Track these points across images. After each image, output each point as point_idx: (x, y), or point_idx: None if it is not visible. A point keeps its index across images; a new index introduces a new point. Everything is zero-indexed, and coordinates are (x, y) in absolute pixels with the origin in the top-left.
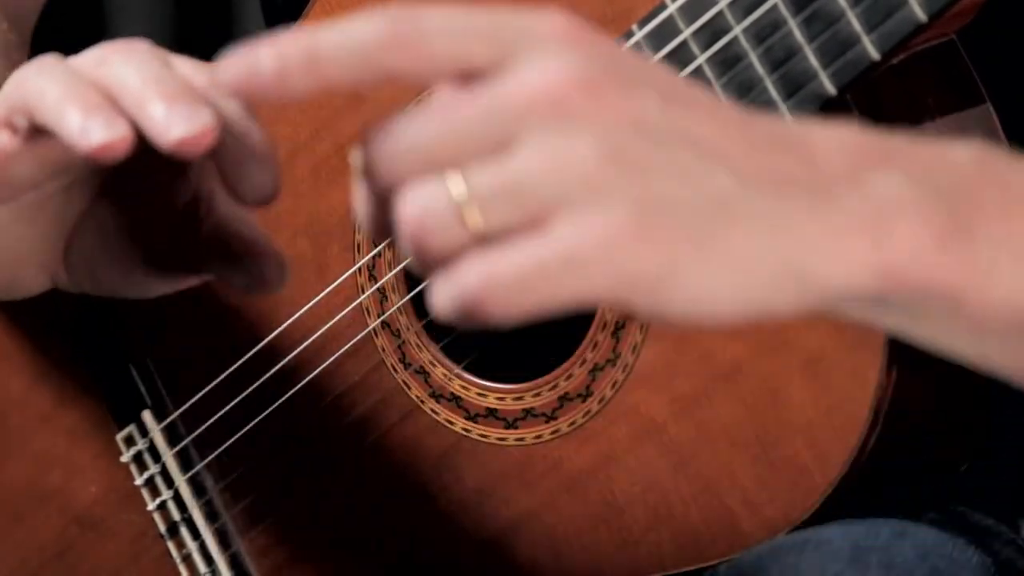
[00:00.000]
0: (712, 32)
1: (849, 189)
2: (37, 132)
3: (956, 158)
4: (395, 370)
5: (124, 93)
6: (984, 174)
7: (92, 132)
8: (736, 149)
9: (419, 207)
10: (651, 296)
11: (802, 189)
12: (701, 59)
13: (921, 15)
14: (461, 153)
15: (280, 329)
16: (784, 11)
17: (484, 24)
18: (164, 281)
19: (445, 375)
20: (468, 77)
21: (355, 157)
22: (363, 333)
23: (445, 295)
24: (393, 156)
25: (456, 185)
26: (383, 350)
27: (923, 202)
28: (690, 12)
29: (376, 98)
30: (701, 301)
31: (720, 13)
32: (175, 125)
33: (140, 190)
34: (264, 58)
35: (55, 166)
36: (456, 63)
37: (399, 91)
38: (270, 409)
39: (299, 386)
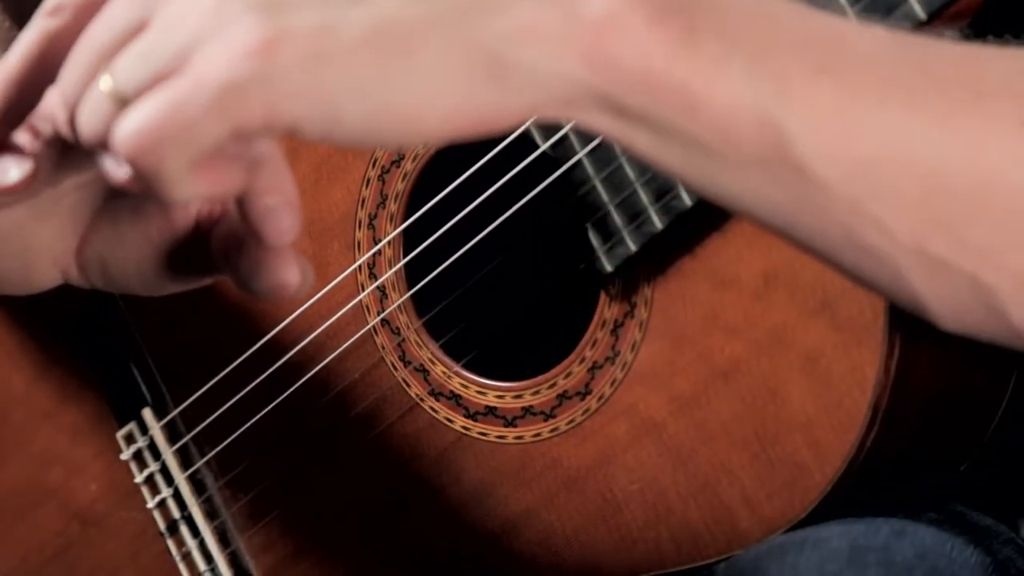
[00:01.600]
0: None
1: None
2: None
3: None
4: (395, 368)
5: None
6: None
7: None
8: None
9: (83, 114)
10: (310, 108)
11: None
12: None
13: (921, 13)
14: (107, 55)
15: (280, 327)
16: None
17: None
18: (177, 280)
19: (445, 373)
20: None
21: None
22: (363, 331)
23: (113, 167)
24: (67, 94)
25: (104, 80)
26: (383, 348)
27: None
28: None
29: None
30: (377, 107)
31: None
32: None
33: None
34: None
35: (73, 167)
36: None
37: None
38: (270, 407)
39: (299, 383)
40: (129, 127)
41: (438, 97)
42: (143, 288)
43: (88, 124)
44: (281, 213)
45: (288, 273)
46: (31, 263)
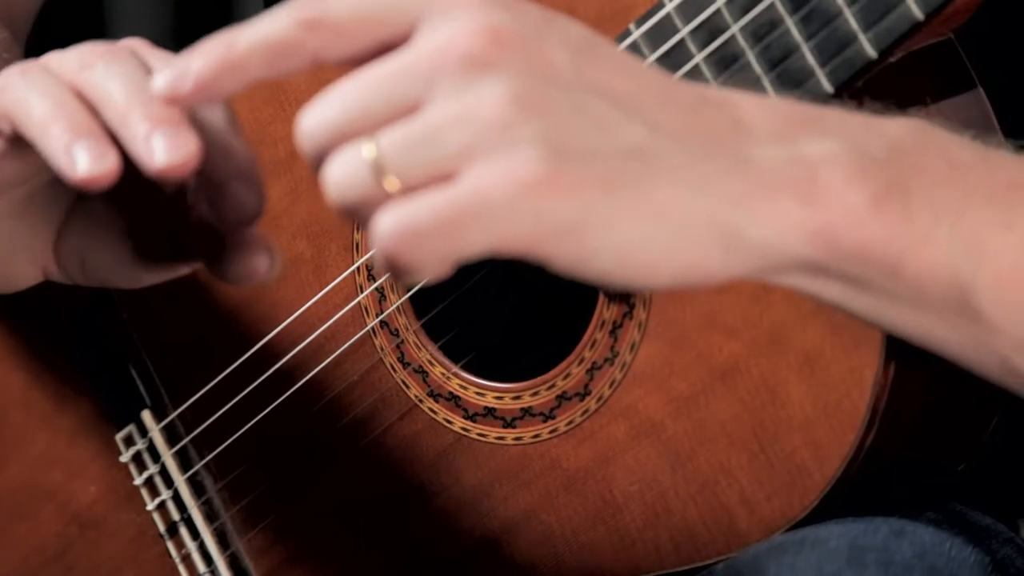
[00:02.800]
0: (709, 31)
1: (777, 149)
2: (21, 137)
3: (892, 128)
4: (394, 369)
5: (108, 107)
6: (922, 143)
7: (79, 162)
8: (654, 103)
9: (336, 174)
10: (569, 245)
11: (726, 146)
12: (698, 58)
13: (918, 13)
14: (372, 120)
15: (279, 329)
16: (782, 9)
17: None
18: (154, 270)
19: (443, 374)
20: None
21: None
22: (362, 332)
23: (377, 252)
24: (312, 135)
25: (368, 149)
26: (382, 349)
27: (855, 163)
28: (688, 10)
29: None
30: (624, 255)
31: (718, 11)
32: (159, 152)
33: (128, 180)
34: (192, 64)
35: (41, 164)
36: (367, 37)
37: None
38: (269, 408)
39: (298, 385)
40: (400, 223)
41: (676, 255)
42: (122, 280)
43: (339, 183)
44: (240, 191)
45: (257, 259)
46: (9, 262)
